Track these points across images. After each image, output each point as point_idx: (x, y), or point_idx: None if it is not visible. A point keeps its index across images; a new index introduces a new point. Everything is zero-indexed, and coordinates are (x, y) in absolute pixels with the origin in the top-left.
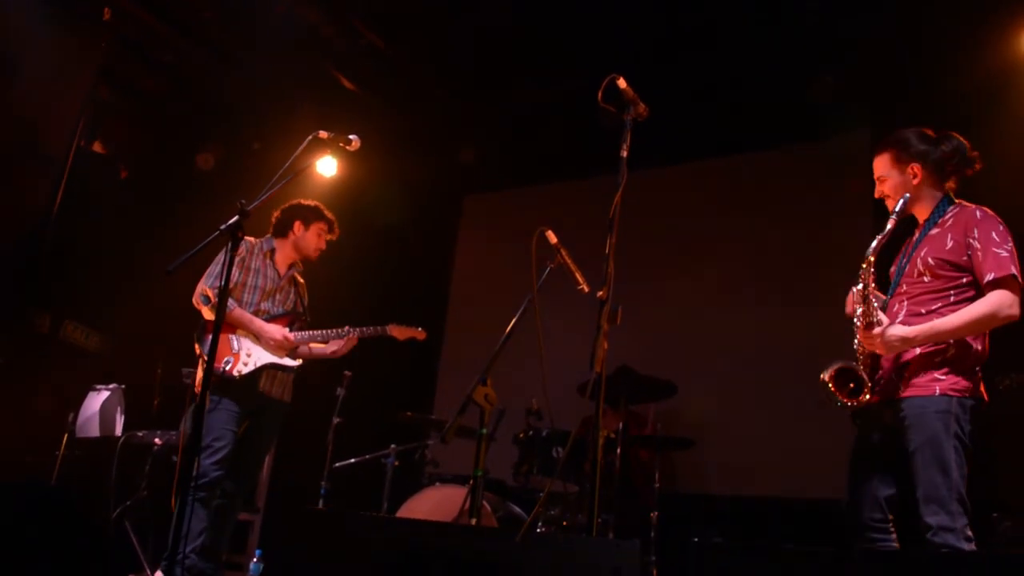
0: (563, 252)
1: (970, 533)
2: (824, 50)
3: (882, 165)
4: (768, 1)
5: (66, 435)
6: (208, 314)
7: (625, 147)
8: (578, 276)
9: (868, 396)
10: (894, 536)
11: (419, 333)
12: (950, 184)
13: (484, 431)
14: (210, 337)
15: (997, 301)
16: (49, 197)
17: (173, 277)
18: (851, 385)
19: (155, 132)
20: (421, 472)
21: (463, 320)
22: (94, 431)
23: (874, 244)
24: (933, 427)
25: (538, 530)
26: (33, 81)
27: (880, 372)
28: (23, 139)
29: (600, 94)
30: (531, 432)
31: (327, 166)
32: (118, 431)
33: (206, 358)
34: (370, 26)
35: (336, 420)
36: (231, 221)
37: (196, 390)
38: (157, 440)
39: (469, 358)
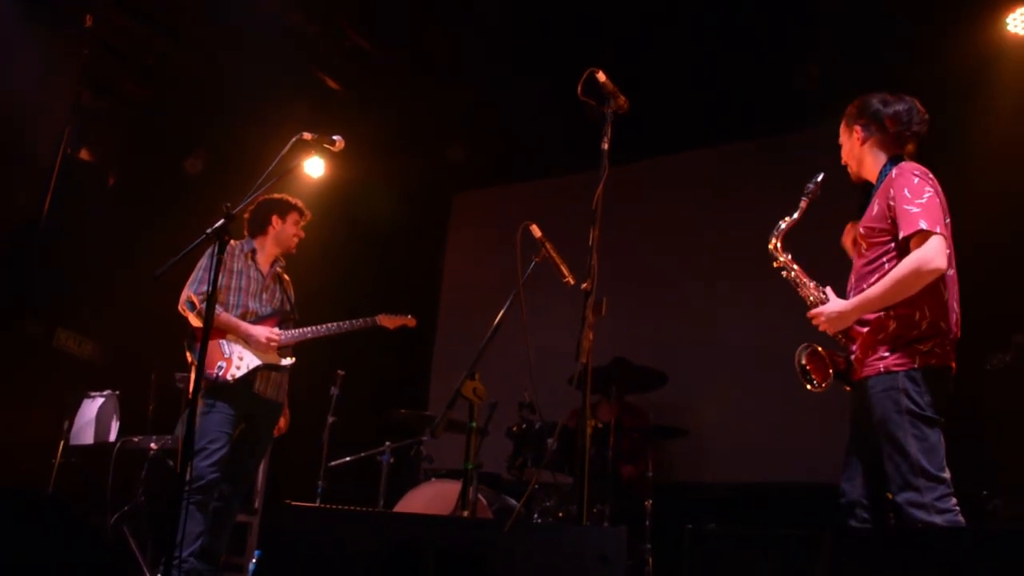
0: (548, 245)
1: (946, 504)
2: (806, 38)
3: (840, 132)
4: None
5: (62, 442)
6: (195, 320)
7: (606, 140)
8: (563, 269)
9: (828, 382)
10: (891, 515)
11: (409, 320)
12: (909, 148)
13: (474, 425)
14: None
15: (913, 258)
16: (38, 205)
17: (164, 281)
18: (826, 369)
19: (142, 138)
20: (416, 468)
21: (455, 316)
22: (89, 438)
23: (782, 226)
24: (882, 406)
25: (535, 521)
26: (17, 89)
27: (852, 354)
28: (9, 147)
29: (580, 88)
30: (524, 425)
31: (314, 167)
32: (113, 437)
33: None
34: (355, 26)
35: (331, 419)
36: (217, 224)
37: (190, 395)
38: (152, 445)
39: (462, 354)
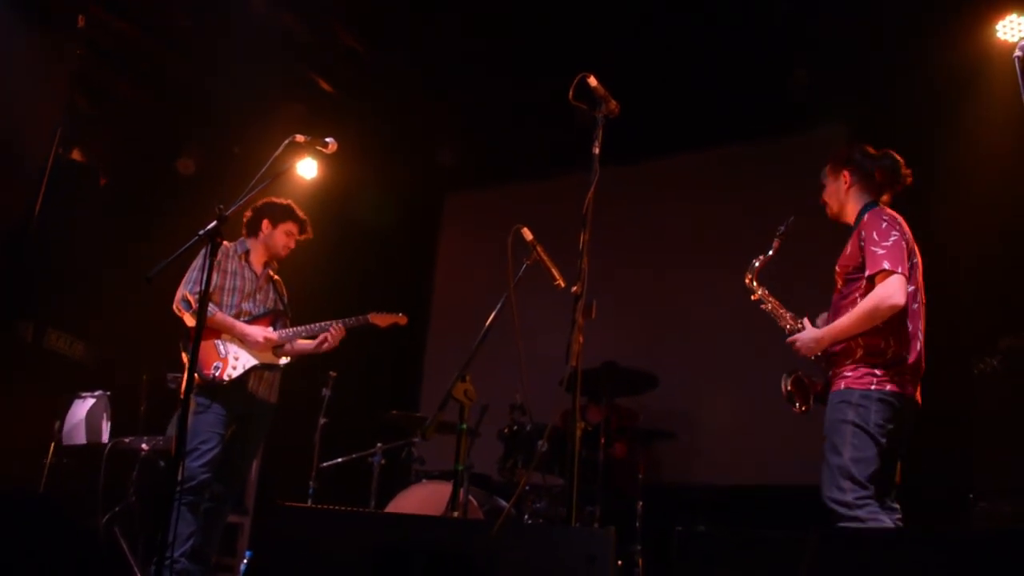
0: (539, 249)
1: (866, 503)
2: (799, 44)
3: (824, 173)
4: None
5: (53, 443)
6: (190, 320)
7: (597, 144)
8: (554, 272)
9: (809, 405)
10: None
11: (400, 318)
12: (884, 198)
13: (464, 426)
14: (198, 341)
15: (875, 295)
16: (29, 206)
17: (156, 282)
18: (807, 394)
19: (134, 139)
20: (408, 470)
21: (447, 318)
22: (81, 438)
23: (756, 264)
24: (833, 413)
25: (524, 522)
26: (9, 90)
27: (829, 376)
28: (1, 148)
29: (571, 92)
30: (515, 427)
31: (307, 168)
32: (105, 438)
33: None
34: (348, 29)
35: (322, 420)
36: (209, 226)
37: (183, 395)
38: (144, 446)
39: (454, 356)
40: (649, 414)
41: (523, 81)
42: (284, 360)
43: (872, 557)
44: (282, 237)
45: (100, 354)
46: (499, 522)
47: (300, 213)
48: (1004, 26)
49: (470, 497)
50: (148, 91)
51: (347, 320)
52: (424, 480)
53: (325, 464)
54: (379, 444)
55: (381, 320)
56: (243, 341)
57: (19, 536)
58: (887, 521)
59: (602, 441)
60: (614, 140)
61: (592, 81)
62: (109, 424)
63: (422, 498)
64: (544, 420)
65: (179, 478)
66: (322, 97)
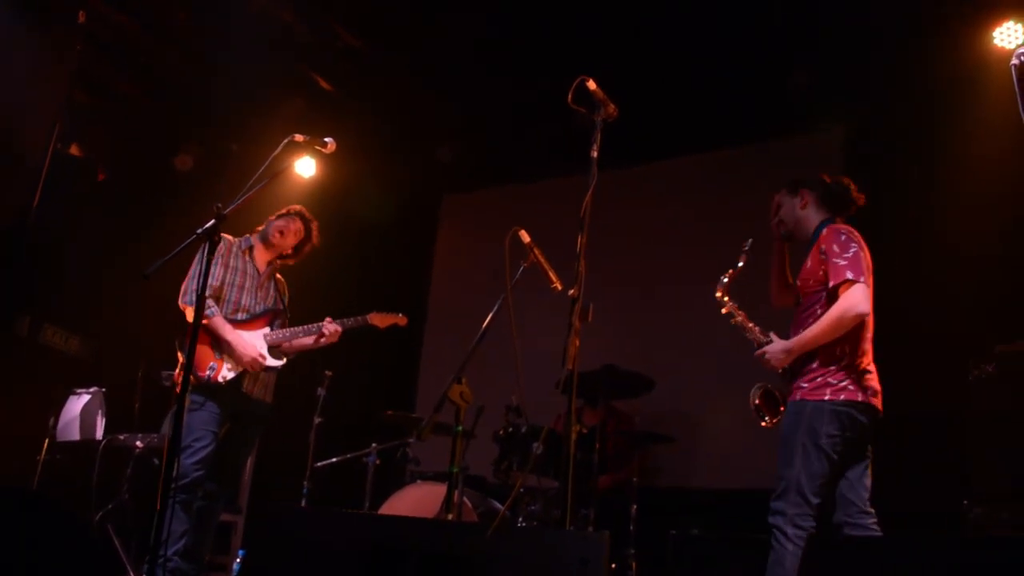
0: (536, 251)
1: (804, 522)
2: (797, 47)
3: (780, 195)
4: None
5: (47, 439)
6: (192, 316)
7: (595, 147)
8: (551, 275)
9: (778, 418)
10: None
11: (400, 319)
12: (838, 219)
13: (460, 428)
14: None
15: (840, 304)
16: (26, 200)
17: (152, 279)
18: (776, 407)
19: (132, 134)
20: (403, 470)
21: (443, 318)
22: (75, 434)
23: (724, 279)
24: (787, 425)
25: (519, 525)
26: (8, 85)
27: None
28: None
29: (570, 96)
30: (511, 429)
31: (305, 167)
32: (99, 434)
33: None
34: (346, 27)
35: (317, 420)
36: (207, 225)
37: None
38: (138, 443)
39: (450, 356)
40: (645, 417)
41: (522, 81)
42: (281, 361)
43: (862, 563)
44: (275, 231)
45: (95, 350)
46: (494, 525)
47: (297, 207)
48: (1001, 32)
49: (464, 499)
50: (147, 87)
51: (346, 320)
52: (419, 481)
53: (320, 463)
54: (374, 444)
55: (380, 321)
56: (229, 353)
57: (11, 532)
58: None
59: (597, 446)
60: (613, 142)
61: (591, 85)
62: (104, 421)
63: (416, 499)
64: (540, 422)
65: (174, 475)
66: (321, 95)
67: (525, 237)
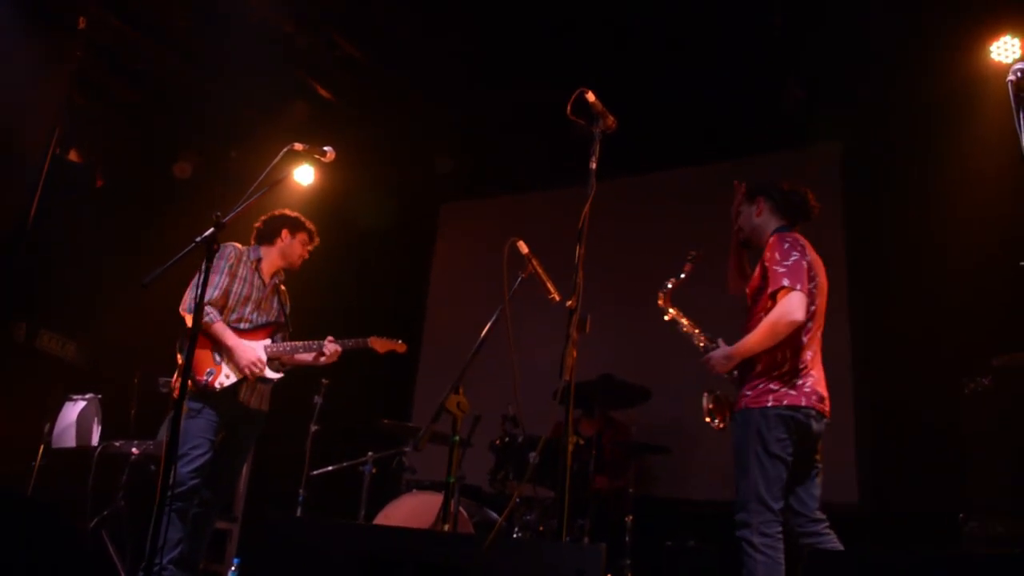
0: (534, 262)
1: (769, 530)
2: (794, 61)
3: (738, 202)
4: (737, 14)
5: (42, 445)
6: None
7: (594, 159)
8: (549, 285)
9: (727, 422)
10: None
11: (399, 346)
12: (795, 228)
13: (456, 438)
14: (193, 347)
15: (775, 312)
16: (24, 206)
17: (150, 286)
18: (724, 411)
19: (131, 141)
20: (399, 479)
21: (441, 327)
22: (70, 441)
23: (668, 285)
24: (737, 437)
25: (515, 535)
26: (8, 90)
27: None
28: None
29: (569, 108)
30: (507, 438)
31: (304, 175)
32: (95, 441)
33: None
34: (346, 36)
35: (314, 428)
36: (206, 233)
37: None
38: (134, 450)
39: (447, 365)
40: (641, 428)
41: (520, 92)
42: (278, 374)
43: None
44: (299, 247)
45: (92, 356)
46: (490, 536)
47: (310, 224)
48: (998, 47)
49: (461, 509)
50: (147, 93)
51: (346, 341)
52: (415, 490)
53: (316, 472)
54: (370, 453)
55: (380, 345)
56: (229, 357)
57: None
58: (781, 555)
59: (593, 452)
60: (611, 153)
61: (590, 97)
62: (99, 427)
63: (412, 508)
64: (536, 432)
65: (170, 483)
66: (320, 104)
67: (523, 248)
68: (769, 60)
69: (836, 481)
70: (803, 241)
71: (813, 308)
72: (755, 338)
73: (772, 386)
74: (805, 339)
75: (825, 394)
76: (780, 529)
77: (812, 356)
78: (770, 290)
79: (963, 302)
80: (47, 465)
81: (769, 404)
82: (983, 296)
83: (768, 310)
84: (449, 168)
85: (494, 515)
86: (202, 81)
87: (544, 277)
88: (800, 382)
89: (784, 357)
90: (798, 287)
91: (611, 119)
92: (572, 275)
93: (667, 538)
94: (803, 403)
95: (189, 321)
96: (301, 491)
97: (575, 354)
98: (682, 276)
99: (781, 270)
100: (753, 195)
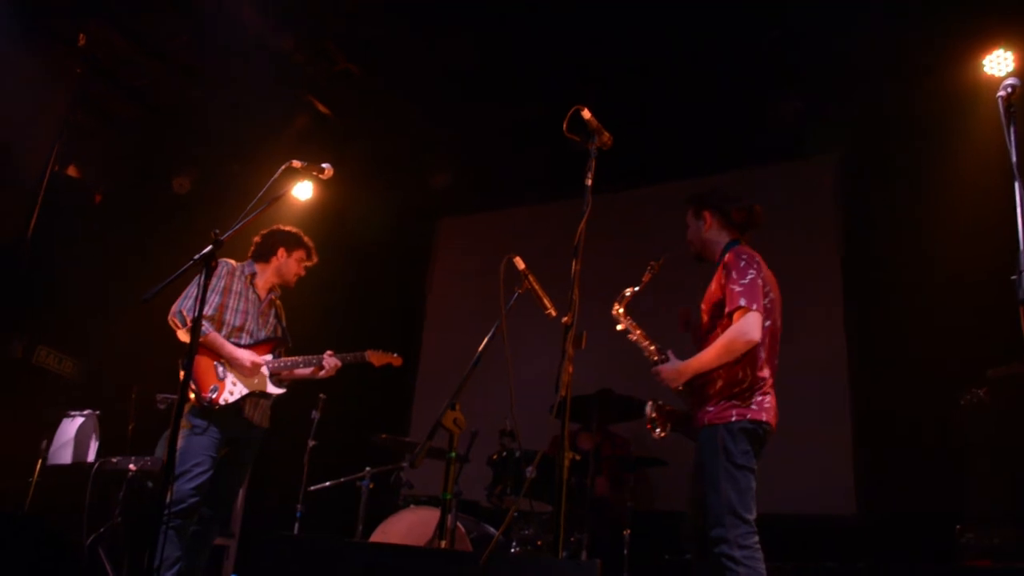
0: (531, 278)
1: (747, 541)
2: (789, 74)
3: (688, 216)
4: (732, 28)
5: (39, 461)
6: (183, 336)
7: (590, 175)
8: (545, 301)
9: (667, 432)
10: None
11: (395, 359)
12: (745, 237)
13: (453, 455)
14: (193, 363)
15: (732, 331)
16: (23, 222)
17: (148, 303)
18: (666, 422)
19: (130, 157)
20: (396, 494)
21: (438, 342)
22: (68, 457)
23: (627, 294)
24: (703, 453)
25: (512, 550)
26: (7, 106)
27: (691, 407)
28: None
29: (565, 125)
30: (504, 453)
31: (302, 190)
32: (92, 457)
33: (192, 386)
34: (344, 52)
35: (311, 443)
36: (205, 250)
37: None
38: (131, 466)
39: (444, 380)
40: (639, 441)
41: (517, 107)
42: (281, 389)
43: None
44: (295, 265)
45: (89, 372)
46: (487, 552)
47: (308, 240)
48: (991, 60)
49: (458, 524)
50: (146, 110)
51: (345, 356)
52: (412, 505)
53: (313, 487)
54: (368, 468)
55: (377, 359)
56: (231, 364)
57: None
58: (761, 565)
59: (590, 466)
60: (607, 167)
61: (586, 114)
62: (97, 443)
63: (410, 524)
64: (533, 447)
65: (168, 500)
66: (318, 119)
67: (520, 264)
68: (765, 73)
69: (834, 492)
70: (757, 257)
71: (768, 324)
72: (709, 355)
73: (735, 402)
74: (763, 356)
75: (775, 409)
76: (757, 539)
77: (771, 371)
78: (728, 309)
79: (959, 313)
80: (44, 481)
81: (733, 419)
82: (979, 307)
83: (725, 326)
84: (447, 183)
85: (492, 530)
86: (201, 96)
87: (540, 293)
88: (760, 398)
89: (745, 375)
90: (754, 307)
91: (607, 135)
92: (567, 289)
93: (665, 552)
94: (764, 418)
95: (179, 334)
96: (299, 506)
97: (571, 370)
98: (638, 288)
99: (738, 289)
100: (700, 209)
